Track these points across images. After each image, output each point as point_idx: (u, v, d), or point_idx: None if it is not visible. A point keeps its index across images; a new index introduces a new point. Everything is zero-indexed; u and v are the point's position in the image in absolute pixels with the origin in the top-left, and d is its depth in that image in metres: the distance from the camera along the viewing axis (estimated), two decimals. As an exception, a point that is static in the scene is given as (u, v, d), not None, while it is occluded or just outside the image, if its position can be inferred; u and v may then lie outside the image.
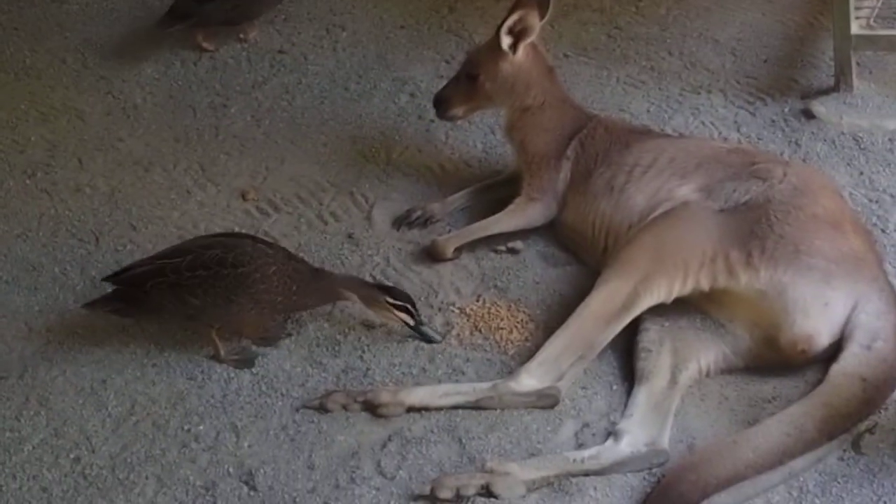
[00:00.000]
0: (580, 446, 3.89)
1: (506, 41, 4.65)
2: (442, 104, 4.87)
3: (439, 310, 4.42)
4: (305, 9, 6.15)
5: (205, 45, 5.88)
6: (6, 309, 4.51)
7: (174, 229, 4.84)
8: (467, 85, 4.79)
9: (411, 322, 4.23)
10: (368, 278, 4.49)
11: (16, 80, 5.80)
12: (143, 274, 4.19)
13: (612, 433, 3.89)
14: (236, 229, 4.80)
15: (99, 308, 4.31)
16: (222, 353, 4.23)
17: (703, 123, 5.21)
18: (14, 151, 5.31)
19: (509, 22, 4.62)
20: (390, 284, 4.38)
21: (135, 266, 4.29)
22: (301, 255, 4.43)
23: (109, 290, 4.34)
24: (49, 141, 5.37)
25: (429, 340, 4.29)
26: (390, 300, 4.20)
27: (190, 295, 4.12)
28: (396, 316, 4.22)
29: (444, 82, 4.97)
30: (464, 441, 3.91)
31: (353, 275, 4.47)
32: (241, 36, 5.94)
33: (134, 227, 4.86)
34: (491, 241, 4.64)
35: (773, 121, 5.19)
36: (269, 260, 4.16)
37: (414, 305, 4.23)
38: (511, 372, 4.09)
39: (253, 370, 4.19)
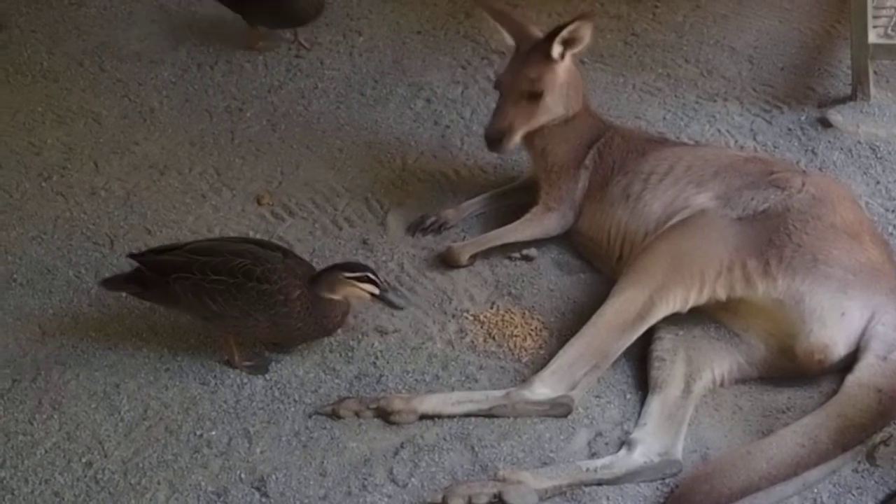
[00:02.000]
0: (593, 455, 3.88)
1: (557, 50, 4.59)
2: (505, 135, 4.62)
3: (453, 316, 4.41)
4: (322, 14, 6.13)
5: (257, 45, 5.93)
6: (20, 311, 4.52)
7: (189, 233, 4.83)
8: (529, 106, 4.62)
9: (376, 291, 4.13)
10: (393, 286, 4.48)
11: (33, 82, 5.82)
12: (169, 263, 4.16)
13: (625, 442, 3.88)
14: (251, 234, 4.80)
15: (116, 286, 4.32)
16: (237, 358, 4.22)
17: (719, 131, 5.20)
18: (30, 154, 5.32)
19: (565, 33, 4.54)
20: (340, 262, 4.29)
21: (163, 250, 4.27)
22: (315, 260, 4.42)
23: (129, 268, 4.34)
24: (65, 144, 5.38)
25: (394, 307, 4.24)
26: (348, 274, 4.11)
27: (209, 299, 4.10)
28: (361, 289, 4.11)
29: (462, 89, 4.96)
30: (476, 449, 3.90)
31: (317, 271, 4.29)
32: (296, 40, 6.01)
33: (149, 231, 4.86)
34: (505, 249, 4.64)
35: (790, 129, 5.17)
36: (295, 282, 4.12)
37: (375, 273, 4.14)
38: (524, 380, 4.08)
39: (266, 376, 4.18)
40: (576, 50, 4.61)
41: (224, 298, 4.09)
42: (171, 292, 4.15)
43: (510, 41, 4.67)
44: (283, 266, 4.14)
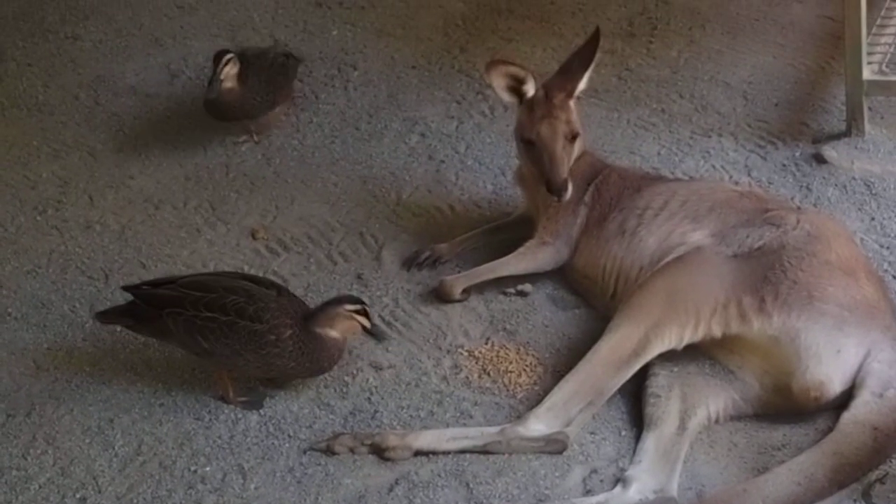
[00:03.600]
0: (588, 492, 3.87)
1: (582, 86, 4.62)
2: (567, 181, 4.55)
3: (448, 352, 4.40)
4: (317, 48, 6.16)
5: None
6: (15, 346, 4.51)
7: (183, 268, 4.83)
8: (570, 148, 4.61)
9: (368, 324, 4.17)
10: (377, 319, 4.47)
11: (28, 115, 5.83)
12: (163, 297, 4.16)
13: (620, 479, 3.87)
14: (245, 268, 4.80)
15: (110, 320, 4.32)
16: (231, 393, 4.21)
17: (713, 167, 5.20)
18: (25, 187, 5.33)
19: (593, 67, 4.59)
20: (339, 295, 4.34)
21: (158, 283, 4.27)
22: (310, 295, 4.41)
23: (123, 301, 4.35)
24: (60, 177, 5.38)
25: (381, 339, 4.31)
26: (349, 307, 4.15)
27: (201, 336, 4.10)
28: (357, 321, 4.16)
29: (457, 124, 4.95)
30: (471, 486, 3.89)
31: (310, 308, 4.33)
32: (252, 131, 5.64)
33: (143, 265, 4.86)
34: (500, 284, 4.63)
35: (785, 165, 5.17)
36: (287, 321, 4.12)
37: (366, 305, 4.19)
38: (519, 416, 4.07)
39: (260, 411, 4.16)
40: (581, 87, 4.63)
41: (215, 336, 4.08)
42: (164, 326, 4.14)
43: (507, 98, 4.67)
44: (276, 304, 4.13)
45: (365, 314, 4.16)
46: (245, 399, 4.22)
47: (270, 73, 5.52)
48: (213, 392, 4.24)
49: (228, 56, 5.32)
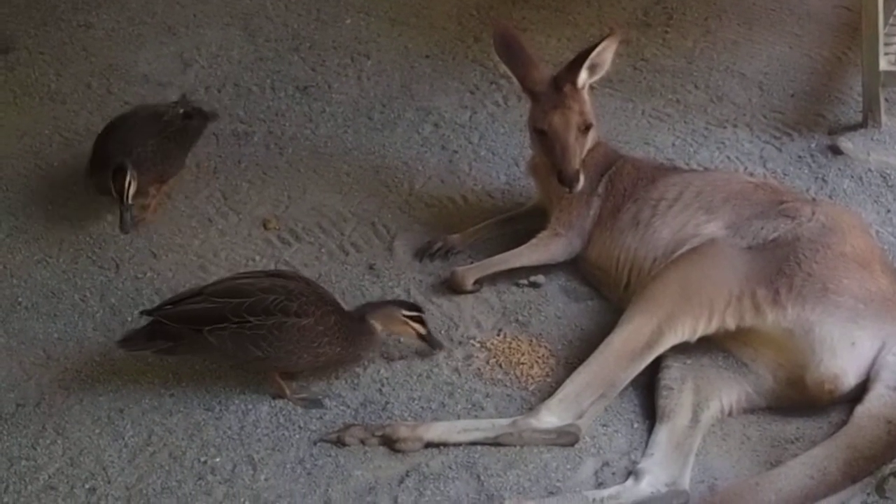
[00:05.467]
0: (600, 485, 3.85)
1: (584, 76, 4.56)
2: (579, 172, 4.52)
3: (459, 343, 4.39)
4: (330, 37, 6.13)
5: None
6: (25, 335, 4.50)
7: (195, 257, 4.82)
8: (582, 139, 4.58)
9: (423, 331, 4.22)
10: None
11: (40, 104, 5.80)
12: (198, 313, 4.08)
13: (632, 472, 3.86)
14: (257, 258, 4.78)
15: (137, 346, 4.21)
16: (288, 392, 4.18)
17: (728, 158, 5.17)
18: (37, 176, 5.30)
19: (594, 55, 4.52)
20: (397, 299, 4.39)
21: (180, 299, 4.20)
22: (322, 285, 4.39)
23: (137, 321, 4.34)
24: (71, 167, 5.35)
25: (438, 346, 4.30)
26: (406, 313, 4.20)
27: (253, 345, 4.05)
28: (412, 327, 4.21)
29: (470, 114, 4.94)
30: (482, 478, 3.88)
31: (366, 301, 4.43)
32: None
33: (154, 255, 4.84)
34: (513, 275, 4.61)
35: (800, 156, 5.15)
36: (328, 308, 4.13)
37: (422, 312, 4.25)
38: (531, 408, 4.06)
39: (271, 402, 4.15)
40: (597, 77, 4.59)
41: (268, 342, 4.05)
42: (204, 343, 4.08)
43: (517, 83, 4.66)
44: (315, 295, 4.14)
45: (421, 321, 4.21)
46: (304, 396, 4.19)
47: (160, 142, 4.98)
48: (270, 391, 4.20)
49: (129, 177, 4.72)
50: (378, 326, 4.19)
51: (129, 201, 4.75)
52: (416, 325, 4.21)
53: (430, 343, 4.27)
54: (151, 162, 4.92)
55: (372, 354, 4.28)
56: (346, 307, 4.30)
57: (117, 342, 4.26)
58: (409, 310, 4.22)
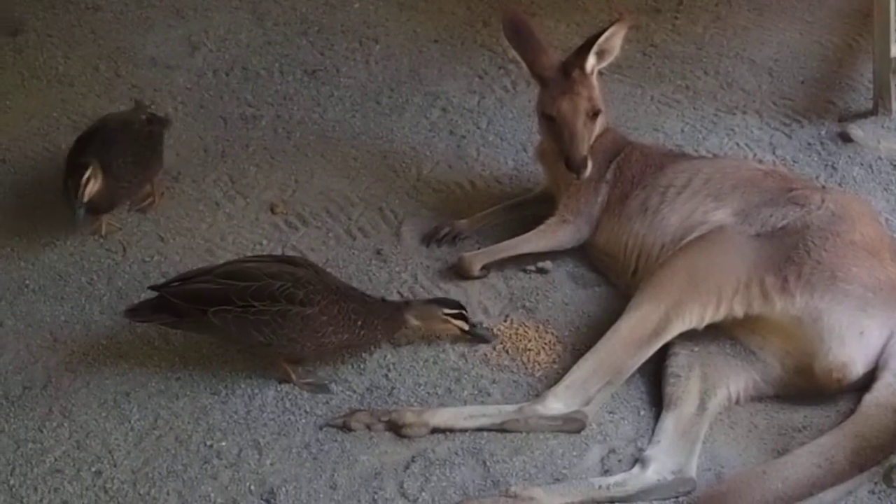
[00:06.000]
0: (606, 472, 3.85)
1: (592, 62, 4.55)
2: (587, 158, 4.50)
3: (467, 329, 4.38)
4: (339, 21, 6.12)
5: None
6: (32, 318, 4.49)
7: (202, 241, 4.81)
8: (591, 125, 4.57)
9: (467, 327, 4.22)
10: (395, 296, 4.47)
11: (48, 87, 5.79)
12: (203, 292, 4.08)
13: (638, 460, 3.85)
14: (264, 242, 4.78)
15: (143, 317, 4.22)
16: (294, 377, 4.17)
17: (737, 145, 5.16)
18: (44, 159, 5.29)
19: (602, 40, 4.50)
20: (438, 297, 4.38)
21: (189, 277, 4.20)
22: (329, 270, 4.38)
23: (146, 294, 4.32)
24: (79, 149, 5.35)
25: (484, 341, 4.29)
26: (447, 311, 4.20)
27: (256, 330, 4.05)
28: (454, 325, 4.21)
29: (479, 99, 4.92)
30: (488, 464, 3.87)
31: (409, 298, 4.44)
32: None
33: (162, 238, 4.83)
34: (520, 261, 4.60)
35: (810, 143, 5.13)
36: (333, 297, 4.10)
37: (465, 309, 4.24)
38: (538, 395, 4.05)
39: (277, 387, 4.15)
40: (606, 62, 4.57)
41: (270, 328, 4.04)
42: (208, 322, 4.07)
43: (526, 68, 4.64)
44: (322, 284, 4.12)
45: (463, 318, 4.21)
46: (310, 381, 4.18)
47: (137, 150, 4.89)
48: (276, 376, 4.20)
49: (87, 174, 4.64)
50: (414, 322, 4.19)
51: (84, 199, 4.63)
52: (459, 322, 4.21)
53: (476, 338, 4.28)
54: (133, 173, 4.84)
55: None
56: (365, 293, 4.29)
57: (123, 311, 4.26)
58: (451, 308, 4.22)
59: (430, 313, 4.20)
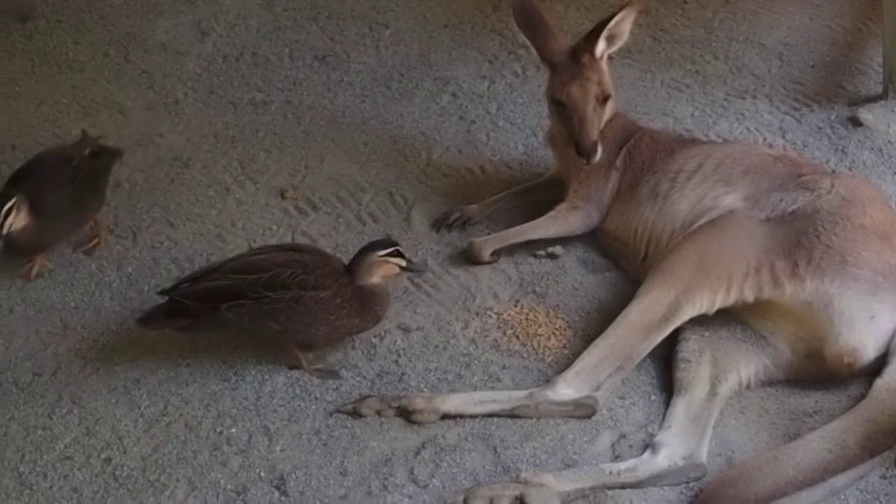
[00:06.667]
0: (617, 458, 3.85)
1: (601, 46, 4.53)
2: (596, 143, 4.49)
3: (477, 314, 4.38)
4: (349, 6, 6.11)
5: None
6: (42, 304, 4.50)
7: (212, 227, 4.81)
8: (601, 110, 4.56)
9: (403, 263, 4.16)
10: (406, 283, 4.46)
11: (58, 72, 5.79)
12: (216, 291, 4.08)
13: (649, 445, 3.85)
14: (274, 228, 4.77)
15: (157, 324, 4.19)
16: (304, 363, 4.17)
17: (747, 129, 5.15)
18: (55, 145, 5.28)
19: (612, 24, 4.50)
20: (368, 243, 4.25)
21: (196, 277, 4.19)
22: (338, 256, 4.38)
23: (154, 294, 4.33)
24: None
25: (419, 272, 4.35)
26: (382, 252, 4.12)
27: (272, 319, 4.05)
28: (392, 263, 4.13)
29: (489, 84, 4.92)
30: (499, 450, 3.87)
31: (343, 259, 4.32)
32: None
33: (171, 224, 4.83)
34: (530, 246, 4.60)
35: (820, 128, 5.12)
36: (344, 280, 4.10)
37: (399, 245, 4.17)
38: (548, 380, 4.04)
39: (287, 373, 4.15)
40: (616, 48, 4.56)
41: (286, 315, 4.05)
42: (222, 319, 4.07)
43: (536, 53, 4.63)
44: (330, 267, 4.12)
45: (399, 255, 4.14)
46: (320, 367, 4.18)
47: (75, 188, 4.64)
48: (287, 362, 4.19)
49: (9, 205, 4.40)
50: (371, 280, 4.13)
51: (4, 231, 4.38)
52: (396, 260, 4.14)
53: (412, 271, 4.29)
54: (68, 212, 4.62)
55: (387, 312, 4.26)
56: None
57: (136, 321, 4.23)
58: (385, 248, 4.14)
59: (369, 263, 4.12)
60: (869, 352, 3.94)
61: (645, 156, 4.58)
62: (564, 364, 4.08)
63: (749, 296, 3.98)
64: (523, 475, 3.74)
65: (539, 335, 4.28)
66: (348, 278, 4.11)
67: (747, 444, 3.87)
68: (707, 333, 4.08)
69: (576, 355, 4.07)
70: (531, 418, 3.96)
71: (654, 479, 3.75)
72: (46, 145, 5.24)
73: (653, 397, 4.04)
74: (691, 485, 3.75)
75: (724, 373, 4.01)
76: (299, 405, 4.05)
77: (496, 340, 4.27)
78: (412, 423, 3.96)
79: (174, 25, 6.08)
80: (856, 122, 5.10)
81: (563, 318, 4.34)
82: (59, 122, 5.44)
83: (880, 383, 3.85)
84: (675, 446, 3.82)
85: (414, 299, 4.41)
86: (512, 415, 3.96)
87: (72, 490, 3.83)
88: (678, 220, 4.33)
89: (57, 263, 4.66)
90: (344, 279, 4.10)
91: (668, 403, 3.99)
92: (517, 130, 5.25)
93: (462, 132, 5.27)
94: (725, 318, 4.07)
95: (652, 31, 5.80)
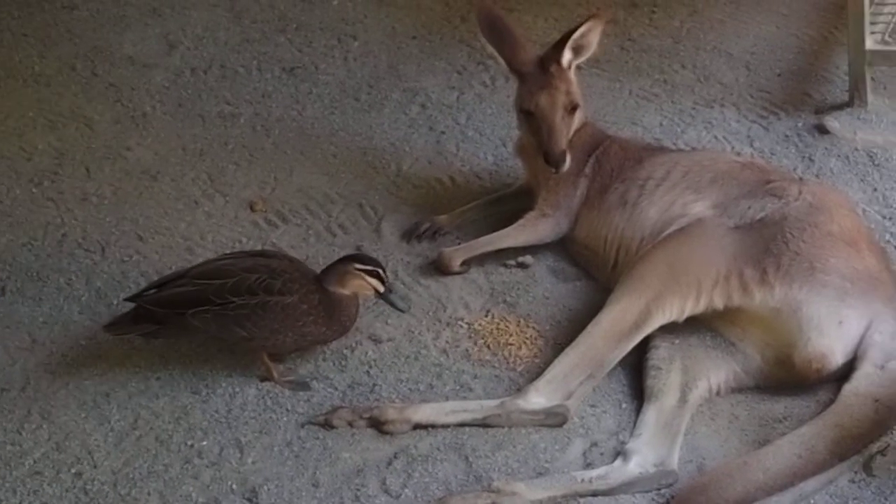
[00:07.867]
0: (588, 466, 3.84)
1: (568, 57, 4.55)
2: (565, 153, 4.51)
3: (447, 324, 4.37)
4: (317, 18, 6.12)
5: None
6: (10, 319, 4.48)
7: (181, 240, 4.80)
8: (569, 119, 4.57)
9: (381, 289, 4.10)
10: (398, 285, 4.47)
11: (24, 86, 5.78)
12: (182, 297, 4.07)
13: (620, 453, 3.84)
14: (244, 240, 4.77)
15: (123, 330, 4.19)
16: (275, 374, 4.15)
17: (715, 137, 5.17)
18: (21, 159, 5.29)
19: (577, 35, 4.51)
20: (355, 252, 4.29)
21: (163, 283, 4.18)
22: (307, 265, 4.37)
23: (123, 305, 4.31)
24: (57, 149, 5.34)
25: (396, 307, 4.20)
26: (359, 266, 4.08)
27: (237, 325, 4.04)
28: (367, 282, 4.07)
29: (458, 95, 4.92)
30: (470, 459, 3.86)
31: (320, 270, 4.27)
32: None
33: (141, 238, 4.82)
34: (500, 256, 4.60)
35: (787, 136, 5.14)
36: (312, 287, 4.08)
37: (384, 270, 4.11)
38: (519, 389, 4.04)
39: (258, 385, 4.14)
40: (584, 57, 4.58)
41: (252, 321, 4.03)
42: (189, 325, 4.06)
43: (503, 64, 4.63)
44: (298, 273, 4.10)
45: (377, 276, 4.08)
46: (291, 379, 4.17)
47: None
48: (258, 373, 4.18)
49: None
50: (341, 290, 4.09)
51: None
52: (372, 281, 4.08)
53: (388, 302, 4.15)
54: None
55: (356, 324, 4.22)
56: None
57: (103, 327, 4.24)
58: (365, 263, 4.09)
59: (343, 272, 4.07)
60: (837, 357, 3.95)
61: (613, 163, 4.59)
62: (535, 373, 4.08)
63: (719, 303, 3.99)
64: (495, 484, 3.73)
65: (510, 344, 4.28)
66: (316, 285, 4.10)
67: (718, 450, 3.88)
68: (677, 341, 4.09)
69: (547, 364, 4.06)
70: (503, 427, 3.95)
71: (626, 487, 3.75)
72: (13, 160, 5.27)
73: (623, 405, 4.04)
74: (662, 492, 3.74)
75: (695, 380, 4.02)
76: (270, 417, 4.04)
77: (467, 350, 4.27)
78: (384, 433, 3.95)
79: (141, 38, 6.07)
80: (822, 130, 5.12)
81: (533, 328, 4.34)
82: (26, 136, 5.43)
83: (849, 388, 3.86)
84: (646, 454, 3.82)
85: (385, 310, 4.39)
86: (483, 424, 3.96)
87: (42, 505, 3.82)
88: (647, 227, 4.34)
89: (25, 278, 4.64)
90: (312, 286, 4.09)
91: (638, 411, 3.99)
92: (486, 141, 5.26)
93: (431, 143, 5.28)
94: (695, 325, 4.07)
95: (620, 41, 5.82)
